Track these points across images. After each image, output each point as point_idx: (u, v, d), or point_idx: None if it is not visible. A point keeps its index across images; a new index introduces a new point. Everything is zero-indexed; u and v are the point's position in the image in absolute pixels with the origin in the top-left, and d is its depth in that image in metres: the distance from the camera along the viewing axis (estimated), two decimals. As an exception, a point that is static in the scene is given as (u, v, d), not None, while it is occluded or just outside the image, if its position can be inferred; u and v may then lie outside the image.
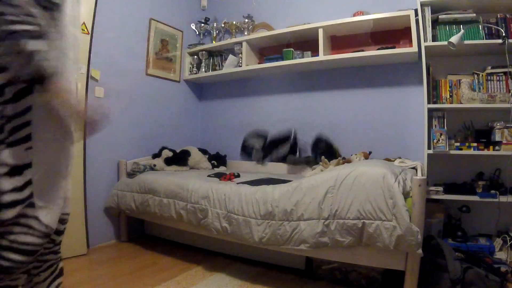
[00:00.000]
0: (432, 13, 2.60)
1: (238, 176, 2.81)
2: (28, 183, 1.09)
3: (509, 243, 2.35)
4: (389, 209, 1.72)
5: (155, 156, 3.19)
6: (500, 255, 2.32)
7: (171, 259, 2.48)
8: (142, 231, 3.20)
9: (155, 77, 3.48)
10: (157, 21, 3.49)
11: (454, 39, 2.42)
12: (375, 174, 1.83)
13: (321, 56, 2.99)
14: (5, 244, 1.07)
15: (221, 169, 3.45)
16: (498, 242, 2.41)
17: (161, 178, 2.66)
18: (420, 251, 1.65)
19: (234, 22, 3.67)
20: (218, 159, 3.60)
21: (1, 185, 1.04)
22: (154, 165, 3.02)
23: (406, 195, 1.78)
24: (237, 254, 2.52)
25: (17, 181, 1.07)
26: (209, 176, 2.81)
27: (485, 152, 2.45)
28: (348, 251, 1.85)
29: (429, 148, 2.54)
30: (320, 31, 2.98)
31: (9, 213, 1.05)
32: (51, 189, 1.16)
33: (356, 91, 3.17)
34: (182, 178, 2.60)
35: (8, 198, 1.05)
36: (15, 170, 1.06)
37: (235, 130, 3.78)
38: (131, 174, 2.91)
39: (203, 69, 3.77)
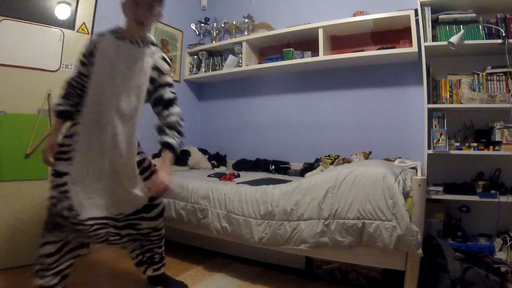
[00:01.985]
0: (432, 13, 2.61)
1: (238, 176, 2.81)
2: (65, 184, 1.61)
3: (509, 243, 2.35)
4: (389, 209, 1.71)
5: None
6: (500, 255, 2.32)
7: (171, 259, 2.48)
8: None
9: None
10: (157, 21, 3.48)
11: (454, 39, 2.42)
12: (375, 174, 1.83)
13: (321, 56, 2.99)
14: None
15: (221, 169, 3.45)
16: (498, 242, 2.41)
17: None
18: (420, 251, 1.65)
19: (234, 22, 3.67)
20: (218, 159, 3.60)
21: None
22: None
23: (406, 195, 1.78)
24: (237, 254, 2.52)
25: (57, 181, 1.63)
26: (209, 176, 2.81)
27: (485, 152, 2.45)
28: (348, 251, 1.85)
29: (429, 148, 2.54)
30: (320, 31, 2.98)
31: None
32: (80, 190, 1.62)
33: (356, 91, 3.17)
34: (182, 178, 2.60)
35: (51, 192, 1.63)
36: (58, 174, 1.64)
37: (235, 130, 3.78)
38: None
39: (203, 69, 3.77)
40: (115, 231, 1.75)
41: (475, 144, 2.48)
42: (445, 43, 2.48)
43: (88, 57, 1.67)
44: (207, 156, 3.53)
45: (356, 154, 2.72)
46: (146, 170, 1.85)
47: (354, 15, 3.00)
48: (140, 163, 1.80)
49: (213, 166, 3.49)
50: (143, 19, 1.64)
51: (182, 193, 2.42)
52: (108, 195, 1.67)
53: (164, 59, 1.77)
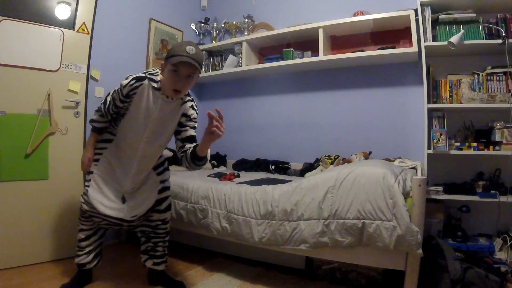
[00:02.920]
0: (432, 13, 2.61)
1: (238, 176, 2.81)
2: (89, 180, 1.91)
3: (509, 243, 2.35)
4: (389, 209, 1.71)
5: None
6: (500, 255, 2.32)
7: (171, 259, 2.48)
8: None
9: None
10: (157, 21, 3.49)
11: (454, 39, 2.42)
12: (375, 174, 1.83)
13: (321, 56, 2.99)
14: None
15: (221, 169, 3.45)
16: (498, 242, 2.41)
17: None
18: (420, 251, 1.65)
19: (234, 22, 3.67)
20: (218, 159, 3.60)
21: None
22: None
23: (406, 195, 1.78)
24: (237, 254, 2.52)
25: (86, 178, 1.96)
26: (209, 176, 2.81)
27: (485, 152, 2.46)
28: (348, 251, 1.85)
29: (429, 148, 2.54)
30: (320, 31, 2.98)
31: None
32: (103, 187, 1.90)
33: (356, 91, 3.17)
34: (182, 178, 2.60)
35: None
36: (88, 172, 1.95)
37: (235, 130, 3.78)
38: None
39: (203, 69, 3.77)
40: (130, 228, 2.08)
41: (475, 144, 2.48)
42: (445, 43, 2.48)
43: (126, 97, 1.78)
44: (207, 156, 3.52)
45: (356, 154, 2.71)
46: (161, 165, 2.07)
47: (354, 15, 3.00)
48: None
49: (213, 166, 3.49)
50: (180, 88, 1.70)
51: (182, 193, 2.42)
52: (127, 199, 1.92)
53: (192, 107, 1.92)
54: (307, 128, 3.38)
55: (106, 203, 1.87)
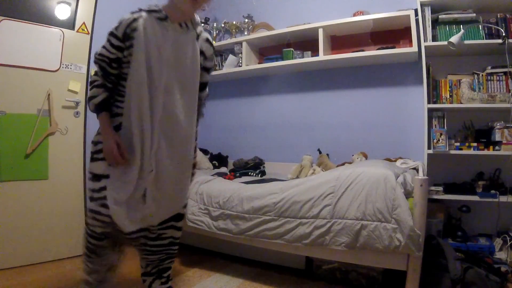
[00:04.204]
0: (432, 13, 2.61)
1: (239, 176, 2.81)
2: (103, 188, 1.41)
3: (509, 243, 2.34)
4: (390, 211, 1.72)
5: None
6: (500, 255, 2.32)
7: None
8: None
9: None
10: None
11: (454, 39, 2.42)
12: (376, 175, 1.83)
13: (321, 56, 2.98)
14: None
15: (222, 169, 3.45)
16: (498, 242, 2.40)
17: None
18: (420, 253, 1.65)
19: (234, 22, 3.67)
20: (219, 160, 3.59)
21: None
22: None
23: (407, 195, 1.78)
24: (236, 254, 2.52)
25: (94, 186, 1.44)
26: (212, 176, 2.81)
27: (485, 152, 2.45)
28: (348, 251, 1.85)
29: (429, 148, 2.53)
30: (320, 31, 2.98)
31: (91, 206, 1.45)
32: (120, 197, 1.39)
33: (356, 91, 3.17)
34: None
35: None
36: (95, 177, 1.44)
37: (236, 130, 3.78)
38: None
39: (203, 69, 3.76)
40: (147, 242, 1.55)
41: (475, 144, 2.48)
42: (445, 43, 2.48)
43: (125, 40, 1.38)
44: (208, 156, 3.53)
45: (356, 154, 2.72)
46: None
47: (354, 15, 2.99)
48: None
49: (214, 167, 3.48)
50: None
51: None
52: (152, 200, 1.43)
53: (208, 41, 1.56)
54: (307, 128, 3.37)
55: (133, 215, 1.40)
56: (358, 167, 1.99)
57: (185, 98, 1.47)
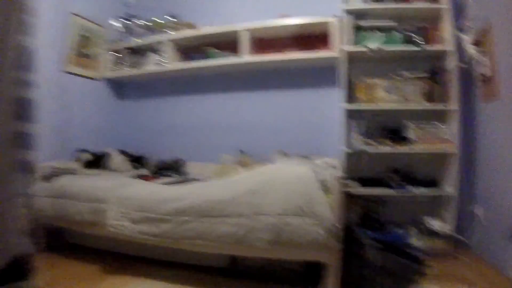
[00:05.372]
0: (354, 19, 2.76)
1: (159, 177, 2.69)
2: None
3: (423, 232, 2.54)
4: (310, 206, 1.74)
5: (75, 159, 2.91)
6: (416, 243, 2.48)
7: (93, 267, 2.26)
8: (63, 239, 2.83)
9: (74, 74, 3.20)
10: (79, 16, 3.21)
11: (373, 45, 2.58)
12: (296, 172, 1.88)
13: (244, 58, 3.00)
14: None
15: (143, 171, 3.25)
16: (413, 231, 2.59)
17: (79, 182, 2.42)
18: (340, 245, 1.69)
19: (158, 21, 3.52)
20: (139, 161, 3.39)
21: None
22: (74, 169, 2.74)
23: (326, 191, 1.83)
24: (159, 258, 2.36)
25: None
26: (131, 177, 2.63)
27: (399, 150, 2.64)
28: (271, 247, 1.82)
29: (347, 146, 2.67)
30: (244, 33, 2.99)
31: None
32: None
33: (278, 92, 3.25)
34: (102, 180, 2.40)
35: None
36: None
37: (157, 131, 3.65)
38: (47, 178, 2.58)
39: (125, 67, 3.55)
40: None
41: (390, 143, 2.66)
42: (365, 48, 2.63)
43: None
44: (128, 158, 3.31)
45: (277, 153, 2.76)
46: None
47: (279, 17, 3.04)
48: None
49: (134, 168, 3.27)
50: None
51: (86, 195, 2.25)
52: None
53: None
54: (229, 128, 3.37)
55: None
56: (279, 166, 2.01)
57: None
